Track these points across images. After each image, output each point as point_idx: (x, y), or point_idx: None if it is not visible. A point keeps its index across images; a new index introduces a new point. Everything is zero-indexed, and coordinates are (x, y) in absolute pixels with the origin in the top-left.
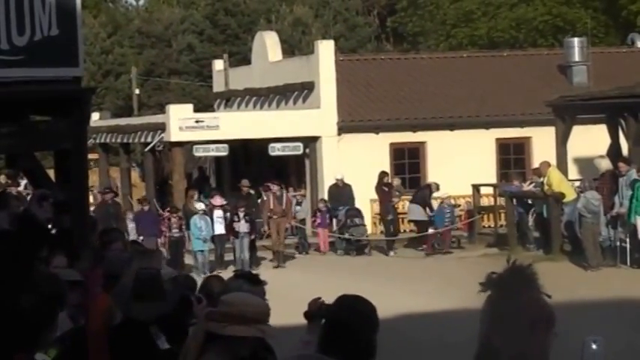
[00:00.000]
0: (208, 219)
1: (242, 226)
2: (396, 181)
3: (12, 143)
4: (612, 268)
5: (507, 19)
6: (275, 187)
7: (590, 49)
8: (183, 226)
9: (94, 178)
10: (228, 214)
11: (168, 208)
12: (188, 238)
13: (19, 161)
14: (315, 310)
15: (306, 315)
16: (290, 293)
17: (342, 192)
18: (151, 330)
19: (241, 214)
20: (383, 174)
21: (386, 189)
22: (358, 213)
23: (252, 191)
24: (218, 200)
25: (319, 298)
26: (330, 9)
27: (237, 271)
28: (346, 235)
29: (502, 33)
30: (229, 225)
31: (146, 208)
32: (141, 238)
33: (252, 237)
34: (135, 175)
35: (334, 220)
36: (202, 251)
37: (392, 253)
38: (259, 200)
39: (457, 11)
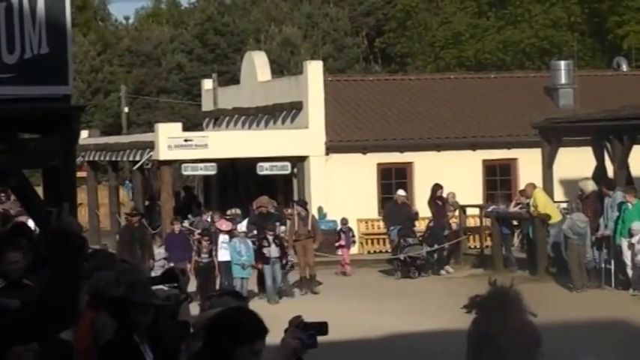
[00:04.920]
0: (249, 242)
1: (273, 251)
2: (452, 197)
3: (1, 160)
4: (597, 290)
5: (495, 42)
6: (299, 208)
7: (577, 72)
8: (214, 250)
9: (82, 196)
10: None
11: (199, 231)
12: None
13: (8, 178)
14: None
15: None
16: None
17: (400, 210)
18: (141, 347)
19: (271, 238)
20: (437, 187)
21: (440, 203)
22: (411, 232)
23: (272, 210)
24: (224, 225)
25: (299, 317)
26: (319, 30)
27: (222, 289)
28: (400, 257)
29: (489, 55)
30: (258, 250)
31: (177, 229)
32: (171, 264)
33: (285, 262)
34: (123, 193)
35: (387, 241)
36: (243, 278)
37: (443, 272)
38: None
39: (445, 33)
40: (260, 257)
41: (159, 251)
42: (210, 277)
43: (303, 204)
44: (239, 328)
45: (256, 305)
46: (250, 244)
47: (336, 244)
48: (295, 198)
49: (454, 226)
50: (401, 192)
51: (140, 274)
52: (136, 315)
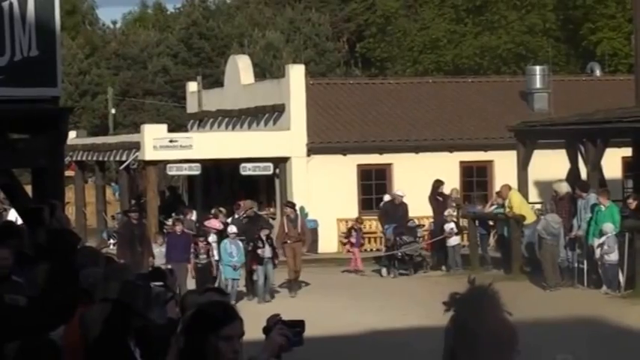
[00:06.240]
0: (240, 243)
1: (267, 252)
2: (455, 192)
3: None
4: (570, 289)
5: (472, 47)
6: (289, 210)
7: (551, 77)
8: (211, 251)
9: (70, 195)
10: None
11: (193, 232)
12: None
13: None
14: (272, 326)
15: (264, 330)
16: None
17: (396, 210)
18: (129, 343)
19: (264, 238)
20: (438, 183)
21: (440, 199)
22: (406, 230)
23: (259, 212)
24: (215, 223)
25: (277, 315)
26: (301, 34)
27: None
28: (399, 255)
29: (467, 60)
30: (252, 251)
31: (178, 229)
32: (168, 266)
33: (276, 262)
34: (109, 192)
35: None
36: (234, 279)
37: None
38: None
39: (424, 38)
40: (254, 258)
41: (160, 250)
42: (208, 277)
43: (292, 206)
44: (207, 317)
45: (246, 305)
46: (241, 244)
47: (345, 241)
48: (277, 197)
49: (432, 227)
50: (399, 192)
51: (129, 274)
52: (134, 320)
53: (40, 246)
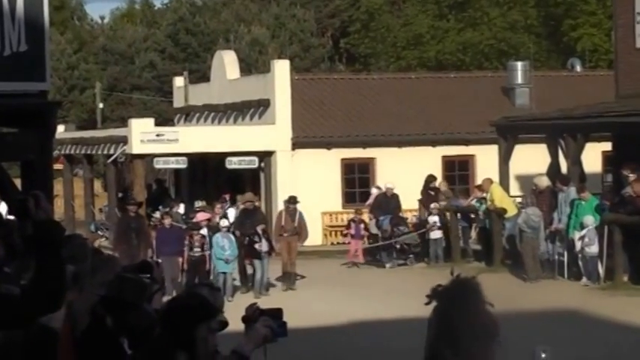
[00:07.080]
0: (232, 237)
1: (264, 246)
2: (444, 186)
3: None
4: (550, 281)
5: (455, 43)
6: (291, 207)
7: (533, 73)
8: (206, 244)
9: (58, 188)
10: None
11: (183, 225)
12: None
13: None
14: (251, 315)
15: (243, 319)
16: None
17: (389, 202)
18: (118, 336)
19: (261, 232)
20: (430, 177)
21: (432, 193)
22: (402, 221)
23: (257, 204)
24: (201, 216)
25: (255, 304)
26: (286, 30)
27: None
28: (397, 246)
29: (449, 56)
30: (249, 245)
31: (167, 222)
32: (159, 259)
33: (271, 256)
34: (97, 185)
35: (379, 231)
36: (225, 273)
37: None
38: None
39: (407, 34)
40: (251, 252)
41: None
42: (201, 270)
43: (294, 202)
44: (198, 308)
45: (241, 298)
46: (233, 238)
47: (344, 233)
48: (262, 191)
49: (414, 220)
50: (389, 185)
51: (117, 265)
52: (131, 317)
53: (29, 238)
